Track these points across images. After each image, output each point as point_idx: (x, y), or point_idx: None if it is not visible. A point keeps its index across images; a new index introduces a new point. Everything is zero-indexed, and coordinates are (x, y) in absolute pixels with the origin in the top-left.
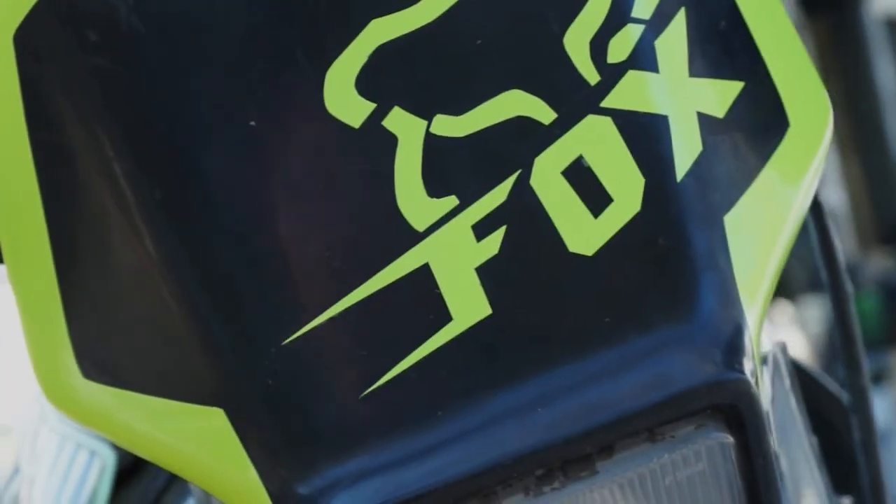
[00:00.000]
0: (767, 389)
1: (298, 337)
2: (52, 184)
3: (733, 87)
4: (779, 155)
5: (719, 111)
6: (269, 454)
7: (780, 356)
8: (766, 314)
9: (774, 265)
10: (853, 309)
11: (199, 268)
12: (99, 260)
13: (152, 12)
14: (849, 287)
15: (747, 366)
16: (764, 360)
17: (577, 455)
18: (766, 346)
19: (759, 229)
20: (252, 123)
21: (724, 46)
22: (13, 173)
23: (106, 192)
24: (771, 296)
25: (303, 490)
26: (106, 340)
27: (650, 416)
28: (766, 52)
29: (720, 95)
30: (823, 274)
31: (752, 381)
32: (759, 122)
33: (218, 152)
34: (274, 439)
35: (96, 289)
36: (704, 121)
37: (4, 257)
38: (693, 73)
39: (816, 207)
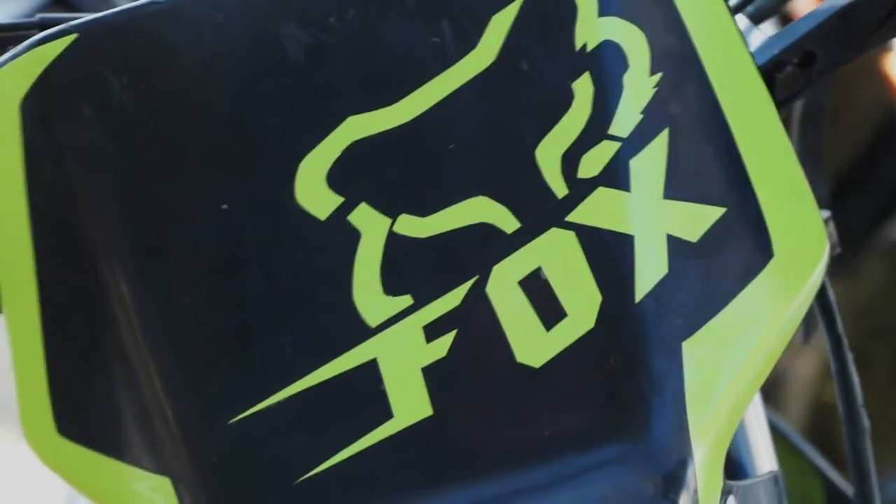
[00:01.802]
0: None
1: (244, 418)
2: (45, 250)
3: (712, 213)
4: (756, 285)
5: (692, 235)
6: None
7: (766, 487)
8: (724, 447)
9: (735, 398)
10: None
11: (163, 342)
12: (79, 326)
13: (143, 92)
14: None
15: (682, 499)
16: (729, 493)
17: None
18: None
19: (723, 360)
20: (224, 207)
21: (709, 170)
22: (12, 236)
23: (89, 262)
24: (733, 427)
25: None
26: (79, 403)
27: None
28: (756, 179)
29: (695, 220)
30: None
31: None
32: (737, 250)
33: (190, 233)
34: None
35: (74, 354)
36: (674, 244)
37: (4, 311)
38: (669, 194)
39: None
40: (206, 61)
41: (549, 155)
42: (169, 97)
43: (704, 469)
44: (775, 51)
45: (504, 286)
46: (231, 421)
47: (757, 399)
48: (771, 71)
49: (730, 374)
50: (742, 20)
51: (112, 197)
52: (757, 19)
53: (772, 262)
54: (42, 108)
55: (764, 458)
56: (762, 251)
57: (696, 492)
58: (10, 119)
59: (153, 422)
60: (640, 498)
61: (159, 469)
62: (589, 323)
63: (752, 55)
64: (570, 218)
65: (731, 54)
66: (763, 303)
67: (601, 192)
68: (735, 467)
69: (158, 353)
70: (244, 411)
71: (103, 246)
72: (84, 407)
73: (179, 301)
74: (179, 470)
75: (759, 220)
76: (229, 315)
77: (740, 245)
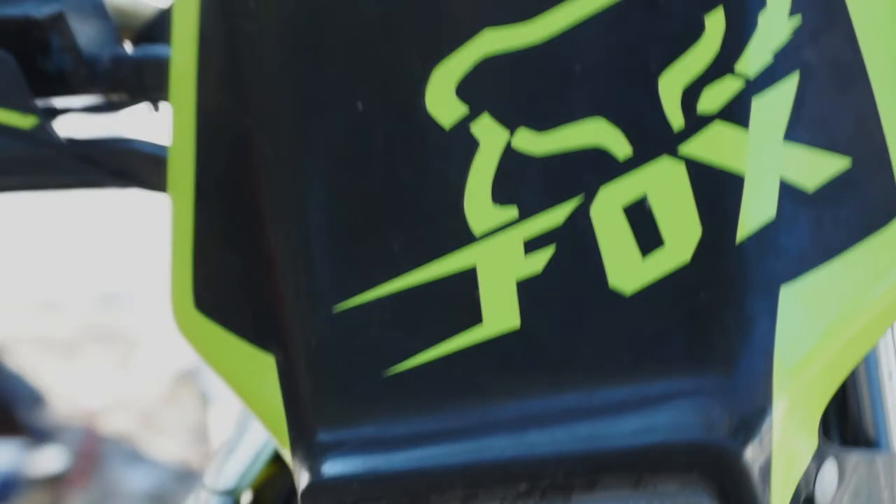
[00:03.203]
0: (818, 488)
1: (348, 307)
2: (203, 133)
3: (835, 162)
4: (872, 242)
5: (809, 182)
6: (297, 405)
7: (887, 465)
8: (819, 405)
9: (834, 356)
10: None
11: (289, 228)
12: (223, 208)
13: None
14: None
15: (749, 442)
16: (825, 457)
17: (562, 481)
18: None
19: (822, 312)
20: (359, 105)
21: (839, 120)
22: (181, 118)
23: (237, 148)
24: (831, 387)
25: (310, 442)
26: (214, 280)
27: (634, 459)
28: (892, 135)
29: (815, 167)
30: None
31: (749, 458)
32: (857, 203)
33: (326, 126)
34: (304, 393)
35: (216, 234)
36: (787, 189)
37: (169, 192)
38: (790, 137)
39: None
40: None
41: (671, 85)
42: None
43: (787, 420)
44: None
45: (607, 209)
46: (336, 308)
47: None
48: None
49: (828, 327)
50: None
51: (262, 86)
52: None
53: (895, 221)
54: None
55: None
56: (886, 209)
57: (770, 441)
58: (191, 7)
59: (270, 302)
60: (702, 431)
61: (267, 348)
62: (685, 256)
63: None
64: (683, 150)
65: (884, 7)
66: (877, 262)
67: (718, 127)
68: (860, 436)
69: (284, 237)
70: (348, 300)
71: (250, 133)
72: (217, 284)
73: (309, 189)
74: (283, 350)
75: (889, 177)
76: (350, 206)
77: (862, 199)
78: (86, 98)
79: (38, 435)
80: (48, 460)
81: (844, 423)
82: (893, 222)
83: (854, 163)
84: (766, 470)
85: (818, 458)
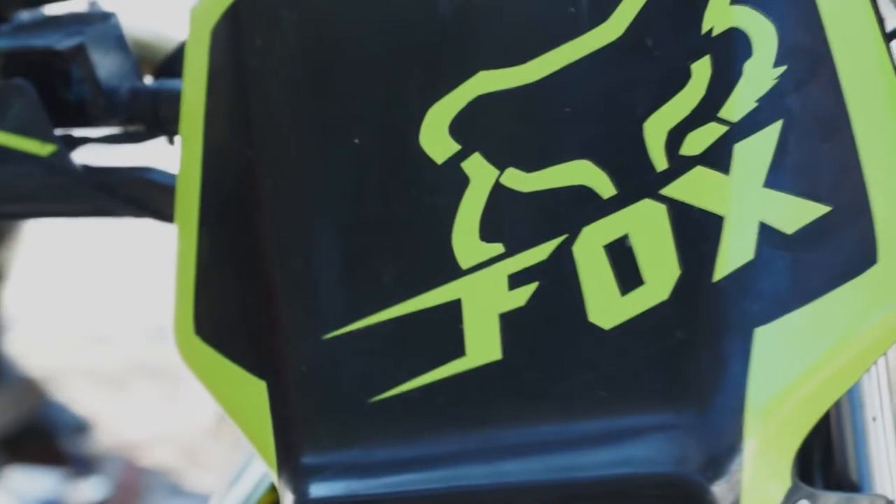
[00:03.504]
0: None
1: (337, 335)
2: (209, 166)
3: (814, 209)
4: (848, 289)
5: (788, 227)
6: (285, 428)
7: None
8: (791, 446)
9: (807, 398)
10: None
11: (284, 258)
12: (224, 239)
13: (307, 29)
14: None
15: (719, 477)
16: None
17: None
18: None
19: (796, 355)
20: (356, 141)
21: (820, 168)
22: (189, 150)
23: (239, 180)
24: (803, 429)
25: (296, 464)
26: (213, 307)
27: (605, 489)
28: (873, 186)
29: (795, 213)
30: None
31: (718, 493)
32: (835, 250)
33: (324, 161)
34: (292, 417)
35: (217, 264)
36: (767, 232)
37: (176, 222)
38: (770, 184)
39: None
40: (365, 6)
41: (656, 129)
42: (328, 36)
43: (758, 458)
44: None
45: (590, 247)
46: (326, 336)
47: (888, 418)
48: None
49: (802, 370)
50: None
51: (264, 121)
52: None
53: (873, 269)
54: (225, 36)
55: (885, 480)
56: (864, 256)
57: (740, 479)
58: (202, 44)
59: (264, 330)
60: (671, 465)
61: (260, 373)
62: (664, 294)
63: None
64: (665, 191)
65: (871, 61)
66: (853, 308)
67: (699, 171)
68: (843, 480)
69: (279, 267)
70: (339, 329)
71: (251, 166)
72: (216, 311)
73: (305, 222)
74: (275, 376)
75: (868, 226)
76: (344, 239)
77: (840, 246)
78: (104, 129)
79: (80, 465)
80: (88, 490)
81: (829, 467)
82: (870, 270)
83: (834, 210)
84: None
85: (791, 499)
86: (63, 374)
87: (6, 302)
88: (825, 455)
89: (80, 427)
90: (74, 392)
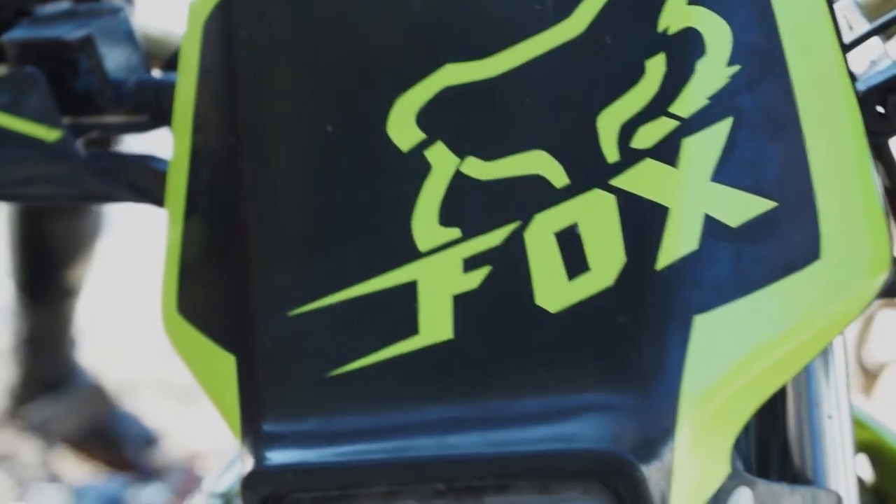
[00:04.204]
0: None
1: (301, 312)
2: (196, 154)
3: (760, 204)
4: (789, 282)
5: (733, 221)
6: (250, 399)
7: (807, 500)
8: (728, 434)
9: (744, 388)
10: None
11: (255, 238)
12: (206, 221)
13: (289, 23)
14: None
15: (649, 457)
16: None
17: (475, 483)
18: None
19: (734, 346)
20: (328, 128)
21: (768, 165)
22: (180, 139)
23: (220, 166)
24: (740, 419)
25: (257, 432)
26: (194, 286)
27: (539, 464)
28: (819, 185)
29: (740, 207)
30: None
31: (647, 472)
32: (778, 244)
33: (297, 146)
34: (256, 389)
35: (198, 244)
36: (712, 224)
37: (166, 206)
38: (718, 178)
39: None
40: (344, 0)
41: (609, 123)
42: (308, 29)
43: (692, 443)
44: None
45: (540, 234)
46: (290, 313)
47: (845, 416)
48: (885, 91)
49: (738, 359)
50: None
51: (243, 108)
52: None
53: (815, 264)
54: (216, 29)
55: (839, 476)
56: (807, 252)
57: (672, 461)
58: (195, 37)
59: (235, 307)
60: (613, 444)
61: (230, 348)
62: (608, 281)
63: (869, 71)
64: (614, 182)
65: (823, 63)
66: (794, 301)
67: (648, 164)
68: (799, 474)
69: (250, 248)
70: (303, 307)
71: (231, 152)
72: (196, 290)
73: (277, 205)
74: (242, 350)
75: (812, 223)
76: (311, 221)
77: (783, 240)
78: (110, 118)
79: (144, 472)
80: (148, 496)
81: (786, 462)
82: (813, 265)
83: (780, 206)
84: (666, 487)
85: (729, 485)
86: (134, 385)
87: (81, 313)
88: (782, 450)
89: (147, 437)
90: (144, 403)
